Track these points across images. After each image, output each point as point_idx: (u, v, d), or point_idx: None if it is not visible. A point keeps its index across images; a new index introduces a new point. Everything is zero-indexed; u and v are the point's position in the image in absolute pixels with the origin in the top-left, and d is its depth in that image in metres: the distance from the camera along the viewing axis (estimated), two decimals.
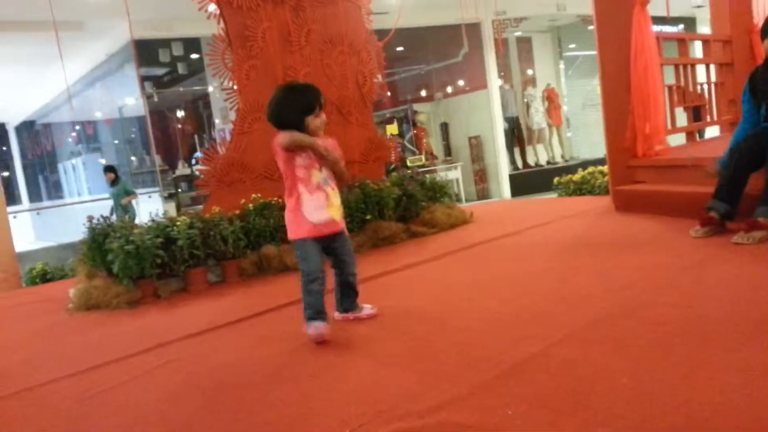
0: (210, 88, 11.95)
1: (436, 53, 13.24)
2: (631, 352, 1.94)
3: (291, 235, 2.62)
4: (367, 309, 2.79)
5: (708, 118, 5.77)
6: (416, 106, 13.26)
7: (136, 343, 2.90)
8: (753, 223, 3.03)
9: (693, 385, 1.64)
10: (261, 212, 4.30)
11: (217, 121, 12.17)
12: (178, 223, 3.99)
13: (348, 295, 2.77)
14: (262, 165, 4.60)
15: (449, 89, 13.84)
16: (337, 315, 2.79)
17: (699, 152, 4.59)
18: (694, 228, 3.38)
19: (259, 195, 4.42)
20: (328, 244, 2.63)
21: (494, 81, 12.03)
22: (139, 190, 10.87)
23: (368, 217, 4.65)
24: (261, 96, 4.58)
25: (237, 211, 4.30)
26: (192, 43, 10.53)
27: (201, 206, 4.69)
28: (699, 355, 1.84)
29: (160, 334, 3.00)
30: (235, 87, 4.59)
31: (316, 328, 2.47)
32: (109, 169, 9.22)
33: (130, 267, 3.75)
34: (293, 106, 2.61)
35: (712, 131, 6.13)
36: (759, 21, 5.80)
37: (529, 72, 13.72)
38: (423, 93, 14.43)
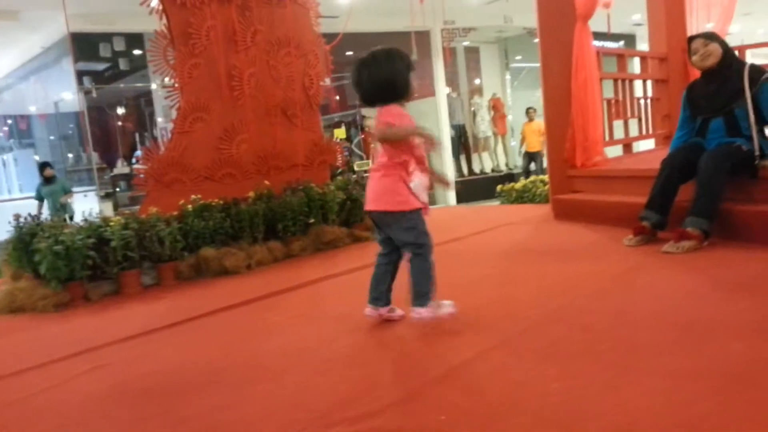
0: (153, 86, 11.64)
1: None
2: (563, 357, 1.98)
3: (409, 205, 2.34)
4: (398, 311, 2.55)
5: (644, 132, 6.00)
6: (365, 111, 13.28)
7: (62, 347, 2.77)
8: (682, 232, 3.15)
9: (620, 390, 1.68)
10: (200, 214, 4.19)
11: (159, 119, 11.86)
12: (112, 223, 3.85)
13: (390, 288, 2.51)
14: (202, 165, 4.49)
15: None
16: (371, 311, 2.51)
17: (635, 164, 4.76)
18: (627, 237, 3.50)
19: (199, 196, 4.31)
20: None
21: (442, 89, 12.19)
22: (74, 189, 10.46)
23: (311, 220, 4.61)
24: (203, 95, 4.48)
25: (175, 212, 4.18)
26: (135, 39, 10.23)
27: (139, 206, 4.54)
28: (627, 360, 1.89)
29: (89, 339, 2.88)
30: (177, 85, 4.47)
31: (452, 306, 2.38)
32: (46, 165, 8.82)
33: (58, 268, 3.58)
34: (407, 71, 2.34)
35: (647, 144, 6.36)
36: None
37: (477, 81, 13.96)
38: None
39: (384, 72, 2.33)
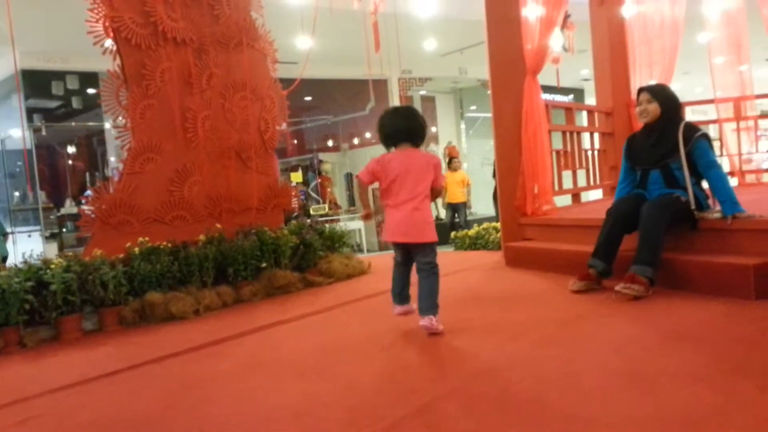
0: (106, 125, 11.44)
1: (343, 105, 13.49)
2: (511, 406, 1.97)
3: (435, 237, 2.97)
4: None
5: (592, 182, 6.20)
6: (322, 156, 13.34)
7: None
8: (633, 276, 3.22)
9: None
10: (147, 257, 4.08)
11: (112, 158, 11.62)
12: (53, 265, 3.70)
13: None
14: (152, 207, 4.40)
15: (356, 141, 14.08)
16: (402, 309, 3.10)
17: (583, 213, 4.89)
18: (572, 281, 3.56)
19: (146, 239, 4.20)
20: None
21: None
22: (18, 228, 10.05)
23: (263, 265, 4.53)
24: (155, 136, 4.43)
25: (121, 255, 4.06)
26: (89, 78, 10.10)
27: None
28: (574, 409, 1.90)
29: (21, 388, 2.73)
30: (129, 125, 4.41)
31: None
32: None
33: None
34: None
35: (595, 194, 6.57)
36: (636, 97, 6.38)
37: (433, 129, 14.24)
38: (330, 143, 14.57)
39: (419, 122, 3.04)
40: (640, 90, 3.68)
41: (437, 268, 2.92)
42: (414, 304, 3.05)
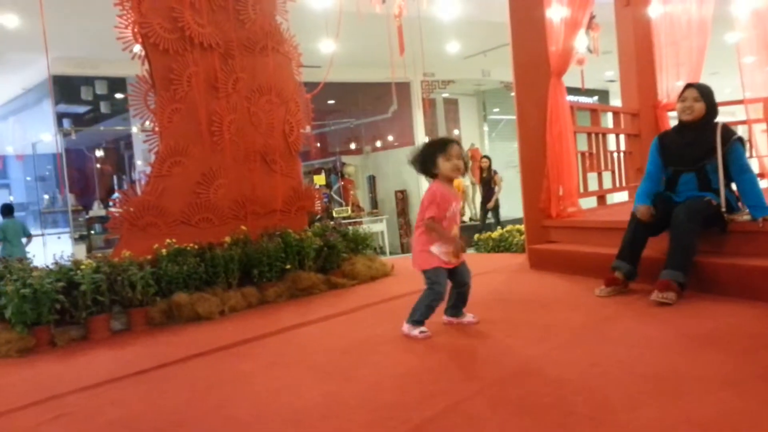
0: (133, 129, 11.64)
1: (366, 108, 13.53)
2: (536, 410, 1.96)
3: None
4: (469, 317, 3.20)
5: (617, 184, 6.13)
6: (345, 158, 13.40)
7: (24, 395, 2.67)
8: (667, 283, 3.15)
9: None
10: (174, 258, 4.14)
11: (139, 162, 11.81)
12: (83, 266, 3.78)
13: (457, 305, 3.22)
14: (179, 210, 4.46)
15: (378, 143, 14.11)
16: (445, 319, 3.22)
17: (608, 216, 4.84)
18: (599, 287, 3.53)
19: (173, 240, 4.27)
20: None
21: (421, 138, 12.38)
22: (48, 231, 10.27)
23: (288, 266, 4.57)
24: (182, 140, 4.50)
25: (149, 257, 4.13)
26: (117, 83, 10.30)
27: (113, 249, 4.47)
28: (599, 414, 1.88)
29: (53, 386, 2.78)
30: (156, 129, 4.48)
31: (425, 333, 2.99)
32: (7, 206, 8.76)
33: (25, 312, 3.48)
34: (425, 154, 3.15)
35: (621, 196, 6.50)
36: (663, 98, 6.30)
37: (455, 132, 14.21)
38: (352, 146, 14.63)
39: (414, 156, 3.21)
40: (688, 86, 3.56)
41: (430, 288, 3.04)
42: (466, 317, 3.21)
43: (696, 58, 6.19)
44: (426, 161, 3.07)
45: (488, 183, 11.20)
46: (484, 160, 11.37)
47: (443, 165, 3.01)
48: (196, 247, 4.30)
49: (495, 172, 11.17)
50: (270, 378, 2.64)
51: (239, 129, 4.80)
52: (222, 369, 2.89)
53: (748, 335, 2.57)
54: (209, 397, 2.46)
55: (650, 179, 3.66)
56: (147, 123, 4.56)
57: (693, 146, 3.48)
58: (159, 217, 4.37)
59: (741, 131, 6.30)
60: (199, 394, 2.52)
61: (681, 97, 3.55)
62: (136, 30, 4.37)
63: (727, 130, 3.43)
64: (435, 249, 3.02)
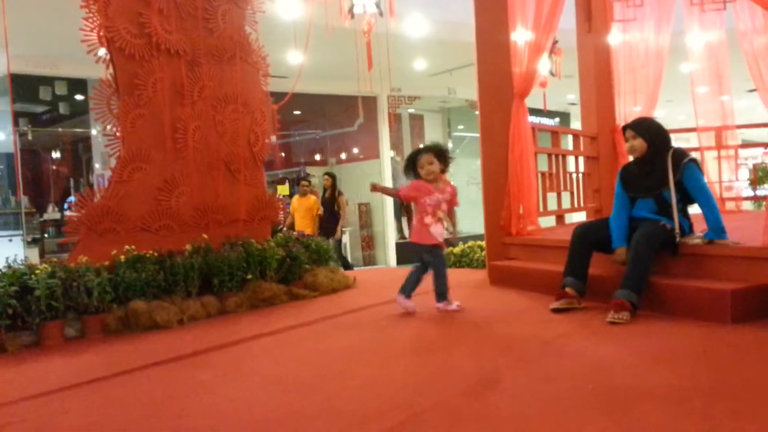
0: (93, 132, 11.41)
1: (332, 120, 13.57)
2: (495, 421, 2.01)
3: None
4: (454, 305, 3.87)
5: (575, 204, 6.30)
6: (309, 169, 13.38)
7: None
8: (621, 303, 3.27)
9: None
10: (133, 265, 4.07)
11: (97, 165, 11.56)
12: (38, 271, 3.69)
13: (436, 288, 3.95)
14: (139, 216, 4.40)
15: (343, 155, 14.15)
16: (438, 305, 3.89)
17: (566, 235, 4.96)
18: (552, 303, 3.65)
19: (133, 247, 4.20)
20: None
21: (386, 152, 12.47)
22: (0, 233, 9.94)
23: (249, 276, 4.54)
24: (145, 145, 4.44)
25: (106, 263, 4.05)
26: (77, 84, 10.08)
27: (68, 254, 4.37)
28: (555, 427, 1.94)
29: (2, 392, 2.71)
30: (118, 134, 4.42)
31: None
32: None
33: None
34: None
35: (579, 216, 6.66)
36: (621, 122, 6.51)
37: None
38: (317, 157, 14.63)
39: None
40: (624, 128, 3.78)
41: (428, 262, 3.94)
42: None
43: (652, 85, 6.43)
44: (413, 168, 3.99)
45: (331, 206, 9.07)
46: (326, 177, 9.33)
47: (419, 171, 3.92)
48: (156, 254, 4.24)
49: (340, 193, 9.25)
50: (229, 388, 2.62)
51: (204, 137, 4.77)
52: (180, 379, 2.85)
53: (694, 354, 2.68)
54: (166, 407, 2.43)
55: (618, 206, 3.79)
56: (109, 127, 4.48)
57: (649, 175, 3.66)
58: (118, 223, 4.30)
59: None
60: (156, 404, 2.49)
61: (624, 137, 3.76)
62: (101, 33, 4.31)
63: (678, 155, 3.59)
64: (433, 229, 3.87)
